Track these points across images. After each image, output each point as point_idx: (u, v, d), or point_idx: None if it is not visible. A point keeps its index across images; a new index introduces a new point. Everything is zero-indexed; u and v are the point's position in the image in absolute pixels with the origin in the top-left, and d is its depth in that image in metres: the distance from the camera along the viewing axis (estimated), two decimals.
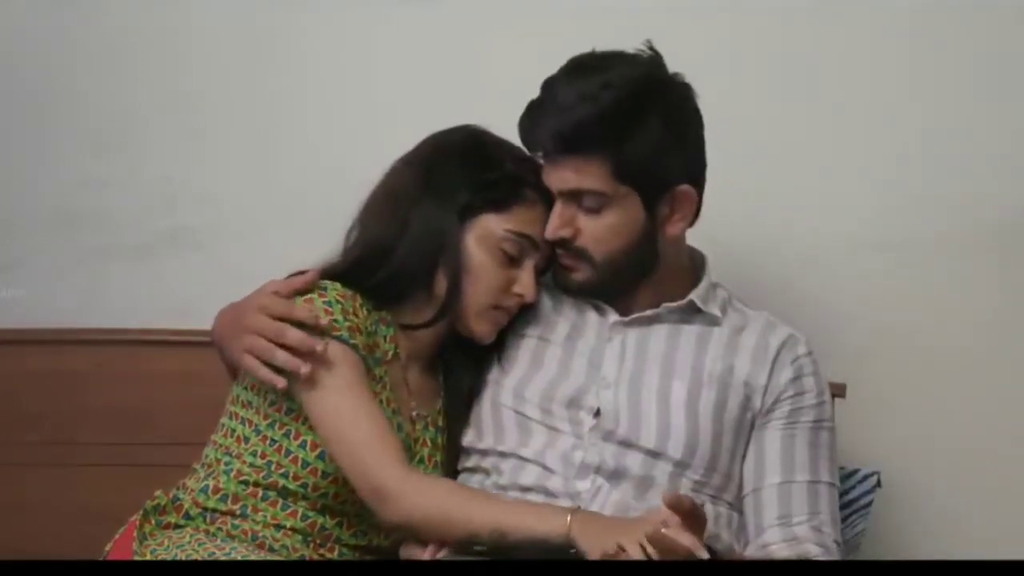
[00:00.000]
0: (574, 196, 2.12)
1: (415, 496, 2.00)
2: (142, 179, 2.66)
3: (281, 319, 2.06)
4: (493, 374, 2.20)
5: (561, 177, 2.12)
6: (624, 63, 2.12)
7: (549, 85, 2.13)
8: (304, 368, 2.03)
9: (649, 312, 2.18)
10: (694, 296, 2.19)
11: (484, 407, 2.18)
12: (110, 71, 2.67)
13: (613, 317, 2.19)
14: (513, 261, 2.15)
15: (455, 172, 2.14)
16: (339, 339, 2.06)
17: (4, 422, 2.52)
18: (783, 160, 2.56)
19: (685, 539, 1.85)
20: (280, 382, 2.05)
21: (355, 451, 2.02)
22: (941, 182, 2.56)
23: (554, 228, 2.13)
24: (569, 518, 1.93)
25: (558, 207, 2.13)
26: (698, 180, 2.16)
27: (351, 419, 2.03)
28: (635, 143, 2.09)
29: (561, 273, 2.19)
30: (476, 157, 2.16)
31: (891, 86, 2.56)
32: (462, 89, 2.56)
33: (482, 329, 2.17)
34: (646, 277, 2.18)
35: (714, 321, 2.19)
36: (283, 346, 2.05)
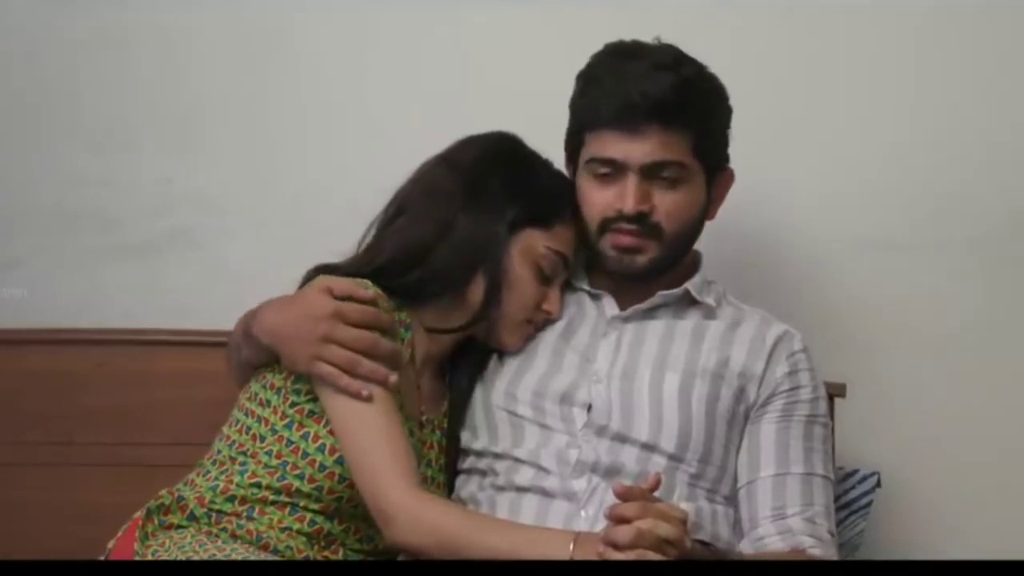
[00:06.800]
0: (652, 170, 2.10)
1: (419, 524, 1.98)
2: (142, 179, 2.66)
3: (365, 327, 2.03)
4: (488, 371, 2.19)
5: (643, 150, 2.08)
6: (663, 50, 2.13)
7: (604, 62, 2.11)
8: (392, 377, 2.02)
9: (646, 304, 2.18)
10: (689, 285, 2.18)
11: (477, 408, 2.18)
12: (110, 71, 2.67)
13: (611, 311, 2.19)
14: (546, 278, 2.16)
15: (503, 181, 2.13)
16: None
17: (4, 422, 2.52)
18: (783, 159, 2.56)
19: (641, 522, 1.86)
20: (366, 390, 2.01)
21: (368, 471, 2.01)
22: (942, 182, 2.56)
23: (636, 202, 2.09)
24: (572, 545, 1.92)
25: (634, 182, 2.10)
26: None
27: (372, 438, 2.01)
28: (715, 119, 2.12)
29: (619, 258, 2.14)
30: (521, 168, 2.15)
31: (892, 86, 2.57)
32: (459, 91, 2.56)
33: (512, 341, 2.17)
34: (678, 263, 2.17)
35: (710, 313, 2.19)
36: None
